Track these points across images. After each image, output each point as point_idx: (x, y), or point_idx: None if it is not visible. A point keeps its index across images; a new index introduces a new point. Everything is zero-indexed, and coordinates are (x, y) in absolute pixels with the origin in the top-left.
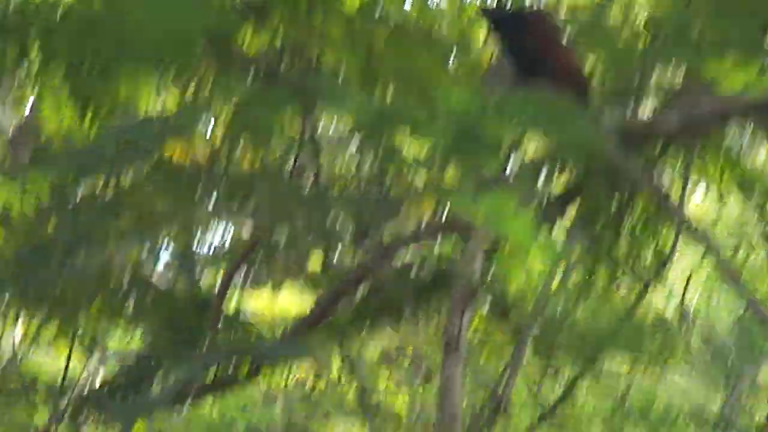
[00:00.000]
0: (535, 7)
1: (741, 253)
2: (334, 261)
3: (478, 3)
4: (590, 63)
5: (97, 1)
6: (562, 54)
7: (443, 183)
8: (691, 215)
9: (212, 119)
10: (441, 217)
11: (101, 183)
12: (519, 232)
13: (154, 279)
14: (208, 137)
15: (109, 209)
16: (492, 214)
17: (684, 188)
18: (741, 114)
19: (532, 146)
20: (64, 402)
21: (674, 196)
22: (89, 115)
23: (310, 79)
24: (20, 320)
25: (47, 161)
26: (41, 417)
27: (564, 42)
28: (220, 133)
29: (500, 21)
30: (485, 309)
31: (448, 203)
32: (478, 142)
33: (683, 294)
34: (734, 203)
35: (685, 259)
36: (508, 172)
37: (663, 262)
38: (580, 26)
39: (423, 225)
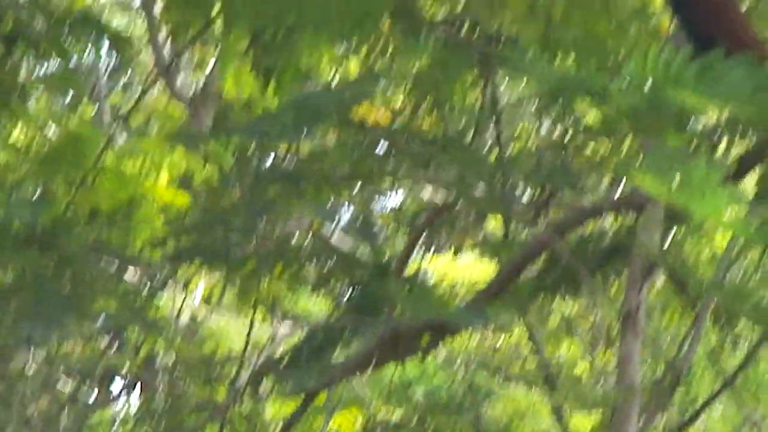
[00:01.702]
0: None
1: None
2: (515, 229)
3: None
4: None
5: None
6: (737, 25)
7: (626, 154)
8: None
9: (394, 85)
10: (621, 188)
11: (284, 150)
12: (713, 209)
13: (336, 243)
14: (390, 102)
15: (292, 176)
16: (684, 190)
17: None
18: None
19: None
20: (245, 374)
21: None
22: (271, 83)
23: (490, 46)
24: (201, 287)
25: (229, 129)
26: (221, 391)
27: (739, 11)
28: (402, 98)
29: None
30: (664, 280)
31: (631, 176)
32: (664, 112)
33: None
34: None
35: None
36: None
37: None
38: None
39: (603, 198)
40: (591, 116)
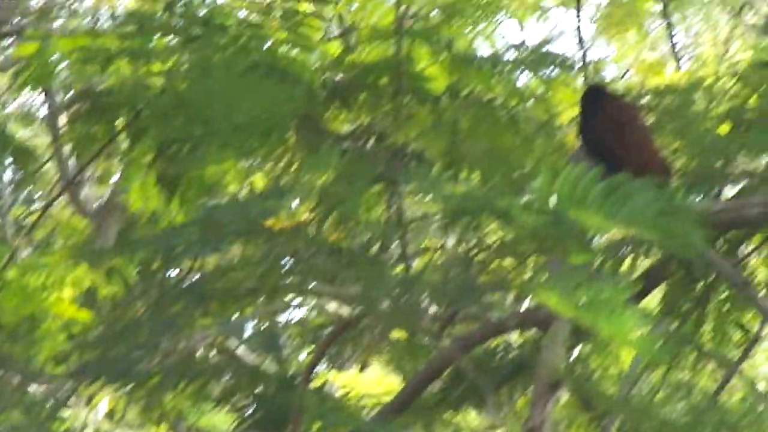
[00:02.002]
0: (613, 90)
1: None
2: (420, 343)
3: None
4: (673, 147)
5: (185, 82)
6: (641, 143)
7: (532, 271)
8: None
9: (300, 198)
10: (525, 304)
11: (188, 264)
12: (619, 329)
13: (242, 355)
14: (296, 215)
15: (197, 291)
16: (590, 310)
17: None
18: None
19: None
20: None
21: (761, 275)
22: (176, 196)
23: (396, 160)
24: (105, 402)
25: (134, 243)
26: None
27: (642, 126)
28: (307, 211)
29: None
30: (569, 396)
31: (537, 294)
32: (568, 231)
33: None
34: None
35: None
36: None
37: (749, 345)
38: (662, 111)
39: (509, 314)
40: (496, 233)
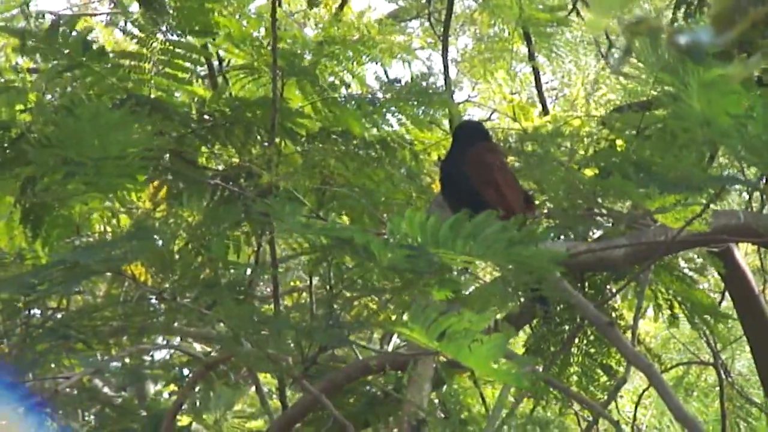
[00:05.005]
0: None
1: (692, 373)
2: (287, 383)
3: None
4: (538, 189)
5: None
6: (503, 185)
7: (396, 307)
8: (641, 338)
9: (169, 236)
10: (392, 342)
11: (54, 303)
12: (479, 359)
13: (107, 393)
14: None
15: (62, 331)
16: (451, 341)
17: (637, 313)
18: (687, 246)
19: (483, 270)
20: None
21: (627, 317)
22: (41, 235)
23: (263, 200)
24: None
25: None
26: None
27: (507, 167)
28: (176, 248)
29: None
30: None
31: (399, 330)
32: (430, 269)
33: (634, 414)
34: (685, 323)
35: (638, 377)
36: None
37: (616, 386)
38: (528, 155)
39: (372, 357)
40: (359, 270)
